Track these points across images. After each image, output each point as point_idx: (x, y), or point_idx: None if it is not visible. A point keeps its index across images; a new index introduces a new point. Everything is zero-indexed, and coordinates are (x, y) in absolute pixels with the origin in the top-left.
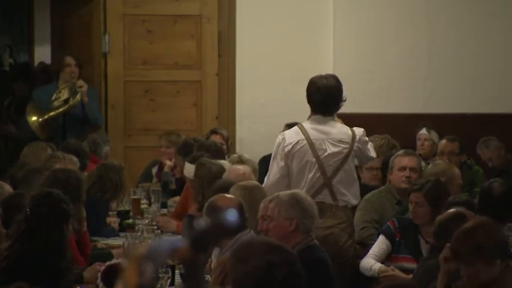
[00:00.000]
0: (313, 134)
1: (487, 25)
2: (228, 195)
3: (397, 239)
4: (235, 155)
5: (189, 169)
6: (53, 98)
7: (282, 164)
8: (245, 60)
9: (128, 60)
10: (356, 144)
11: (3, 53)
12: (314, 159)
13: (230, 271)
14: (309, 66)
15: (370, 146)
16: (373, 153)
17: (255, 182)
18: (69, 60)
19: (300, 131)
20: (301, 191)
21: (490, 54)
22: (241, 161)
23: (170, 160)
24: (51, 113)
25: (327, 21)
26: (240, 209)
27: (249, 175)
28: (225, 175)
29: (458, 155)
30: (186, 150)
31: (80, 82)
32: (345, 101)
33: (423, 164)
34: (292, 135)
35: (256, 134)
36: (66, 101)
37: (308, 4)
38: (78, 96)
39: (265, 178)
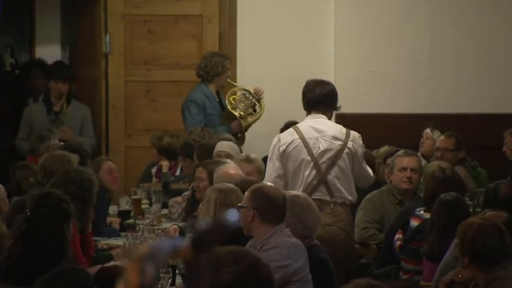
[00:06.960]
0: (307, 133)
1: (489, 25)
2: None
3: None
4: (242, 154)
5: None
6: (238, 106)
7: (278, 164)
8: (246, 61)
9: (129, 60)
10: (350, 142)
11: (5, 53)
12: (309, 158)
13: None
14: (310, 67)
15: (366, 165)
16: (371, 173)
17: (232, 186)
18: (229, 64)
19: (294, 131)
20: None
21: (492, 54)
22: (248, 160)
23: (165, 160)
24: (250, 120)
25: (328, 22)
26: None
27: (238, 176)
28: (215, 176)
29: (453, 151)
30: (187, 151)
31: (260, 89)
32: (340, 107)
33: (424, 163)
34: (287, 136)
35: (258, 133)
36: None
37: (309, 4)
38: (262, 103)
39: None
